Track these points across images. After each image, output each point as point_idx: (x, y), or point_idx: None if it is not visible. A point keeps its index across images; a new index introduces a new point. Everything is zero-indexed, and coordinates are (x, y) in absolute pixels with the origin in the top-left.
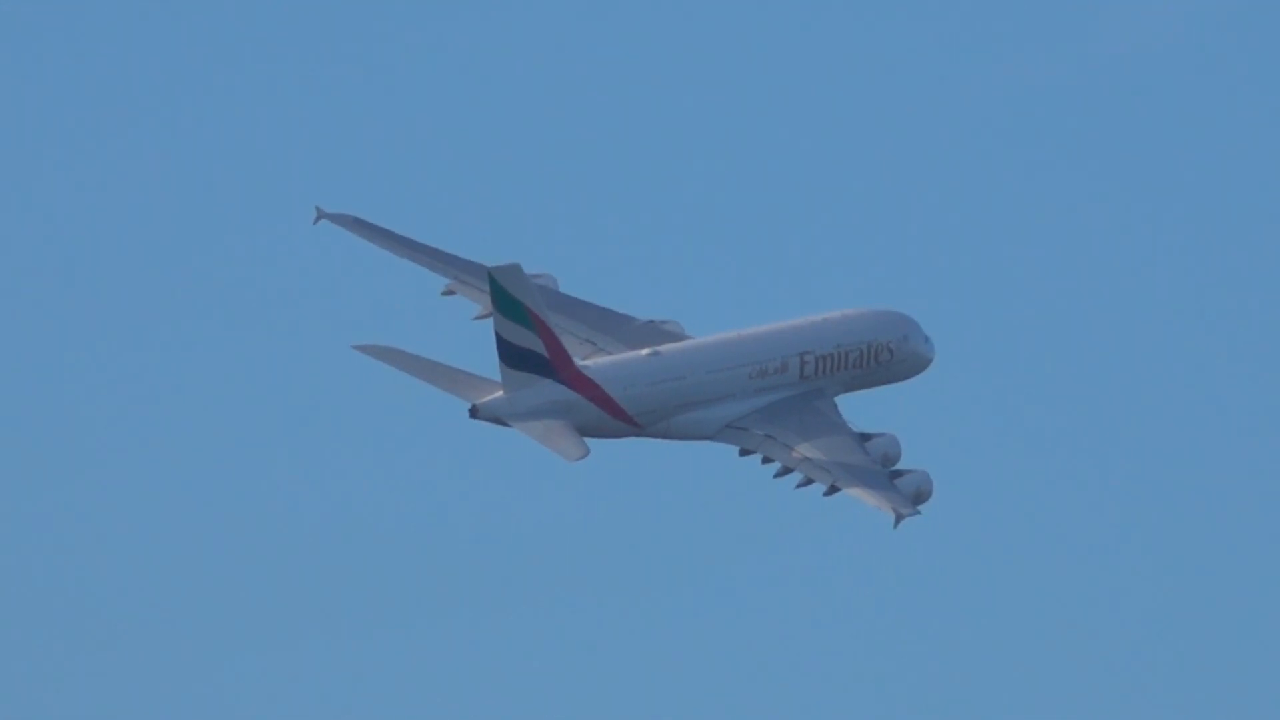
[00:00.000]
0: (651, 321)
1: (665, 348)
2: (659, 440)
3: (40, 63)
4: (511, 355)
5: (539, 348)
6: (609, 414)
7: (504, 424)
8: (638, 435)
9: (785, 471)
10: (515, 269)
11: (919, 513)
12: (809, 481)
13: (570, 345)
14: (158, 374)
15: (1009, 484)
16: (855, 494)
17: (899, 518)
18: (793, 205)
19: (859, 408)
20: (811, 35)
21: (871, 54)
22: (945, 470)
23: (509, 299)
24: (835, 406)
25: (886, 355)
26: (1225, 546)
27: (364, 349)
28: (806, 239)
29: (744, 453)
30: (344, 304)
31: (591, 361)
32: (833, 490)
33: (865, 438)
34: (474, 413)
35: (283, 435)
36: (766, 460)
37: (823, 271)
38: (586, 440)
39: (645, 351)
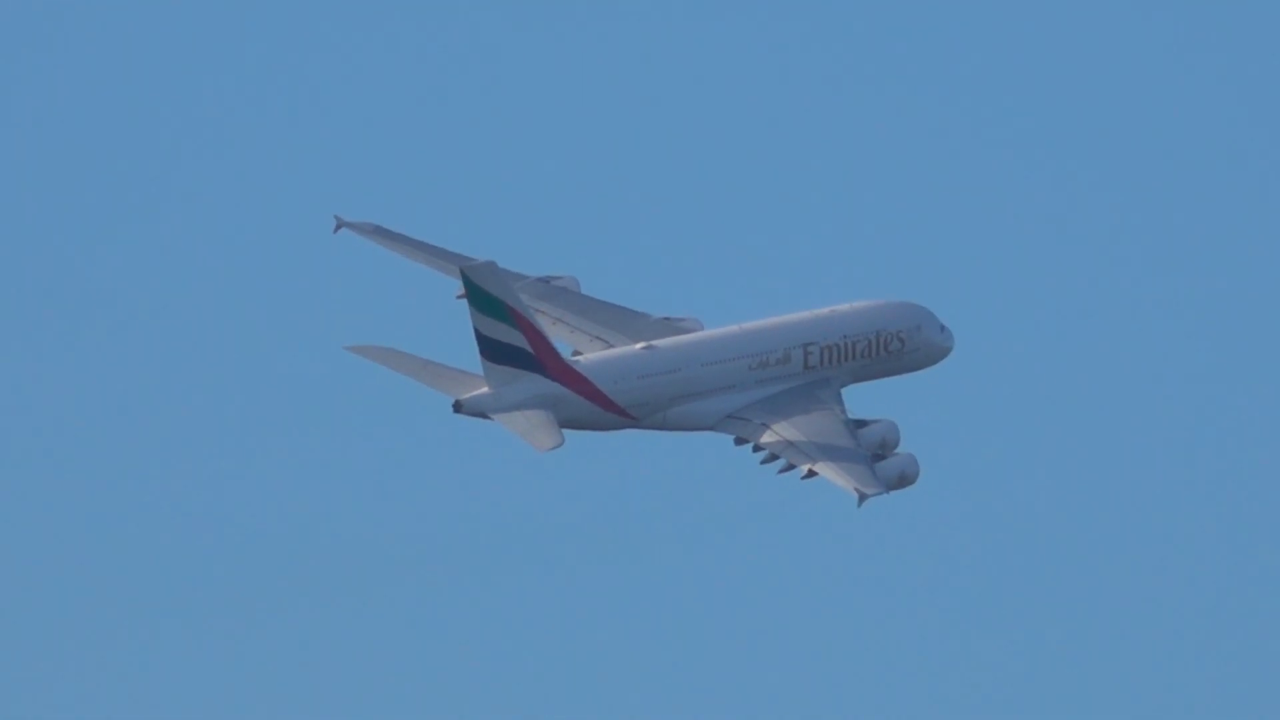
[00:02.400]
0: (668, 318)
1: (660, 341)
2: (656, 431)
3: (63, 70)
4: (493, 351)
5: (522, 343)
6: (600, 407)
7: (488, 418)
8: (634, 427)
9: (772, 458)
10: (490, 266)
11: (883, 493)
12: (791, 466)
13: (581, 343)
14: (172, 376)
15: (1012, 472)
16: (827, 475)
17: (862, 497)
18: (816, 202)
19: (876, 397)
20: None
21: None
22: (949, 458)
23: (485, 296)
24: (839, 396)
25: (897, 345)
26: (1230, 549)
27: (356, 349)
28: (832, 235)
29: (739, 442)
30: (364, 309)
31: (582, 356)
32: (810, 474)
33: (861, 424)
34: (458, 408)
35: (277, 433)
36: (757, 448)
37: (849, 267)
38: (583, 432)
39: (639, 345)
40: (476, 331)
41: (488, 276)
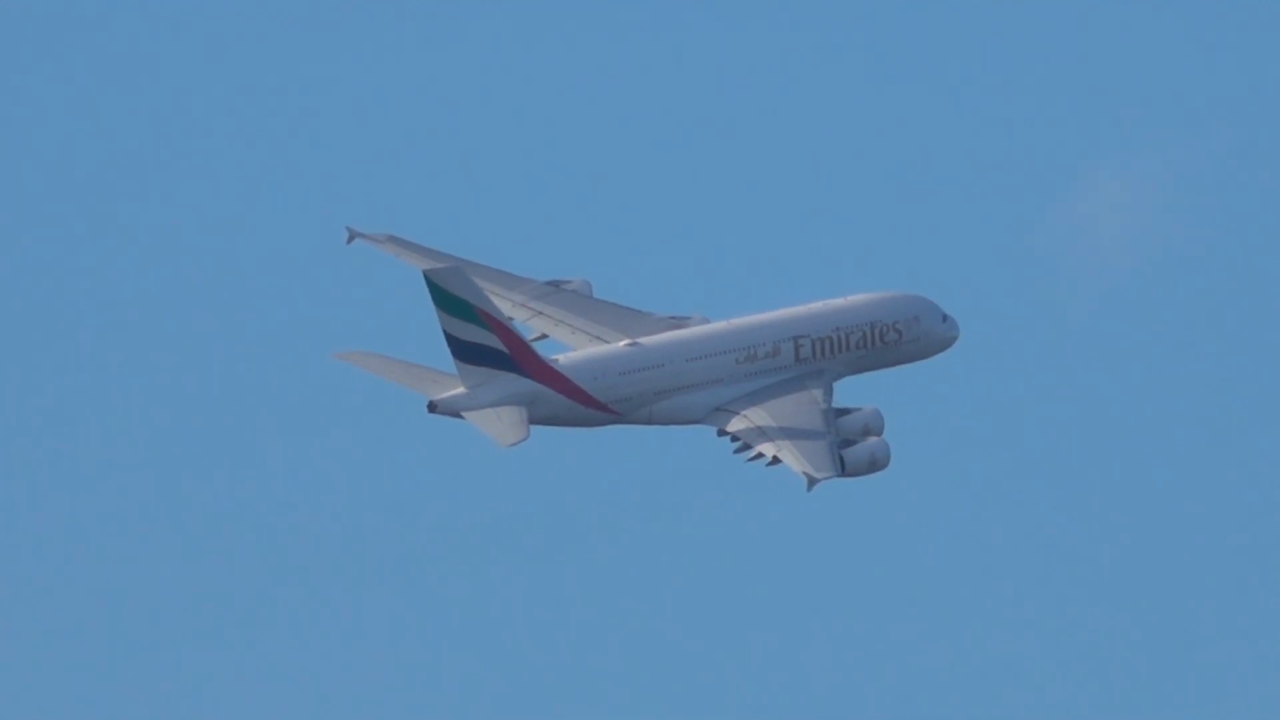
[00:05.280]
0: (674, 317)
1: (646, 339)
2: (643, 426)
3: (82, 82)
4: (464, 351)
5: (495, 344)
6: (581, 404)
7: (462, 418)
8: (619, 423)
9: (745, 447)
10: (454, 270)
11: (834, 477)
12: (759, 455)
13: (582, 345)
14: (179, 380)
15: (999, 463)
16: (786, 460)
17: (811, 481)
18: (833, 198)
19: (878, 386)
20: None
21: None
22: (939, 445)
23: (451, 298)
24: (828, 387)
25: (894, 336)
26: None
27: (344, 355)
28: (850, 231)
29: (721, 433)
30: (376, 316)
31: (563, 356)
32: (775, 461)
33: (844, 412)
34: (432, 408)
35: (268, 437)
36: (734, 439)
37: (866, 262)
38: (571, 429)
39: (623, 343)
40: (446, 333)
41: (452, 279)
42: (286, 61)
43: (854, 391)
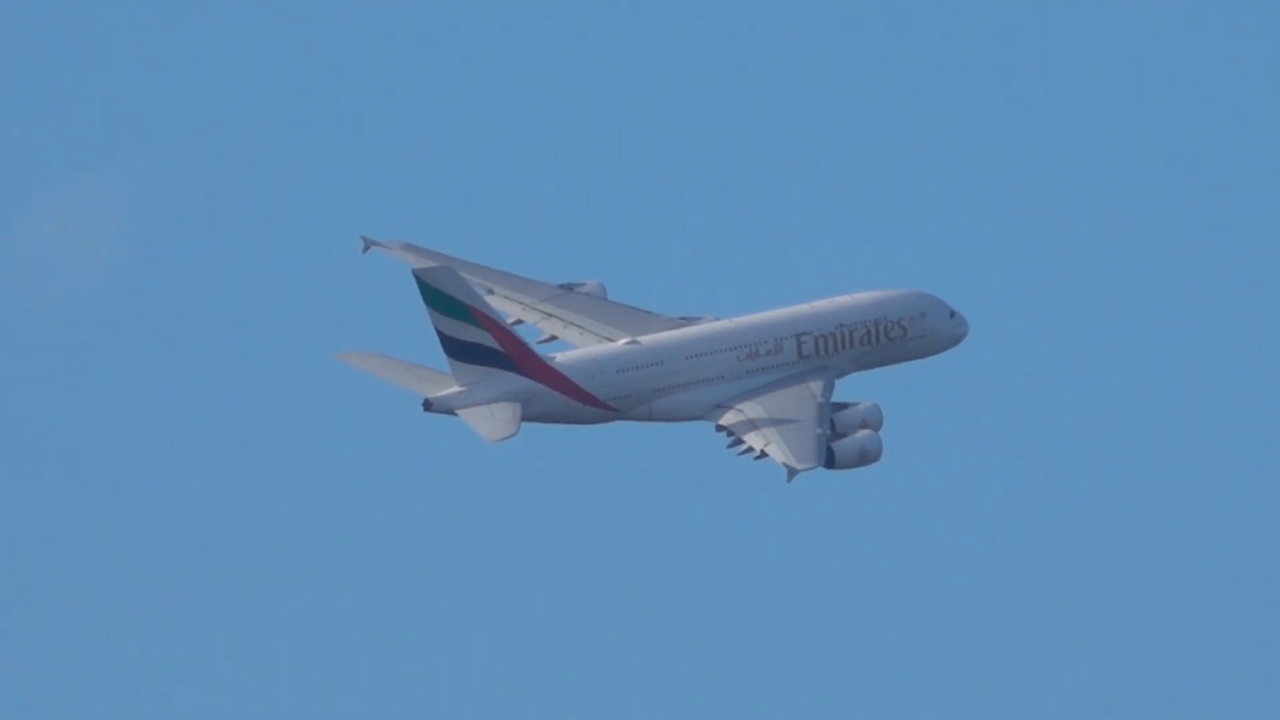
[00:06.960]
0: (684, 317)
1: (646, 337)
2: (643, 423)
3: (101, 92)
4: (458, 350)
5: (489, 342)
6: (579, 401)
7: (456, 415)
8: (620, 419)
9: (738, 441)
10: (444, 269)
11: (814, 469)
12: (749, 449)
13: (587, 344)
14: (197, 385)
15: (993, 460)
16: (771, 452)
17: (791, 472)
18: (849, 198)
19: (885, 382)
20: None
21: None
22: (938, 441)
23: (443, 297)
24: (829, 382)
25: (899, 332)
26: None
27: (345, 356)
28: (869, 231)
29: (719, 429)
30: (383, 320)
31: (560, 354)
32: (763, 455)
33: (841, 406)
34: (428, 406)
35: (273, 436)
36: (729, 433)
37: (882, 262)
38: (571, 426)
39: (623, 341)
40: (439, 332)
41: (444, 279)
42: (301, 69)
43: (860, 388)
